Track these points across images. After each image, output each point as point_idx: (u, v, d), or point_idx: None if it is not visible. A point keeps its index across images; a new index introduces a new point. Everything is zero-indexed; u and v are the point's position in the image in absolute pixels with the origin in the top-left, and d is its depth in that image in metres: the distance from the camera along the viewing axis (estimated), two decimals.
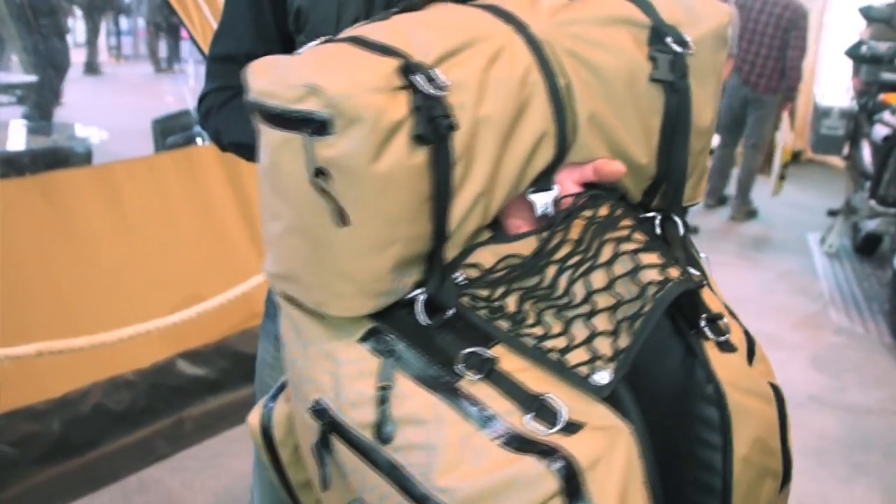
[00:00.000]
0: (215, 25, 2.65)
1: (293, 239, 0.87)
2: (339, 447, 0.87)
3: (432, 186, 0.84)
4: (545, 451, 0.78)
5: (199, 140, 2.98)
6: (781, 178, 5.80)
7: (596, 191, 0.95)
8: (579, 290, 0.87)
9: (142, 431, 2.64)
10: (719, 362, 0.93)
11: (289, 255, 0.88)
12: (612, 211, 0.92)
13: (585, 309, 0.86)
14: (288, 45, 1.25)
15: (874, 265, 5.02)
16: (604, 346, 0.84)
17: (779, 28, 5.65)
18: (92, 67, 8.48)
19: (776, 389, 0.98)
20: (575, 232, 0.90)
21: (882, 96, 5.01)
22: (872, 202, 4.74)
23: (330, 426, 0.87)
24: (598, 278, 0.87)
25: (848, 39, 5.97)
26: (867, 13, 5.50)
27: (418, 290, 0.87)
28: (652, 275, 0.87)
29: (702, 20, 1.00)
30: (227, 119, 1.27)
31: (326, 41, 0.89)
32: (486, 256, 0.90)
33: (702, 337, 0.93)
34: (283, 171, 0.83)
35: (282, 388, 1.04)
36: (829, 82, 7.04)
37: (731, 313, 1.00)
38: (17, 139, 3.45)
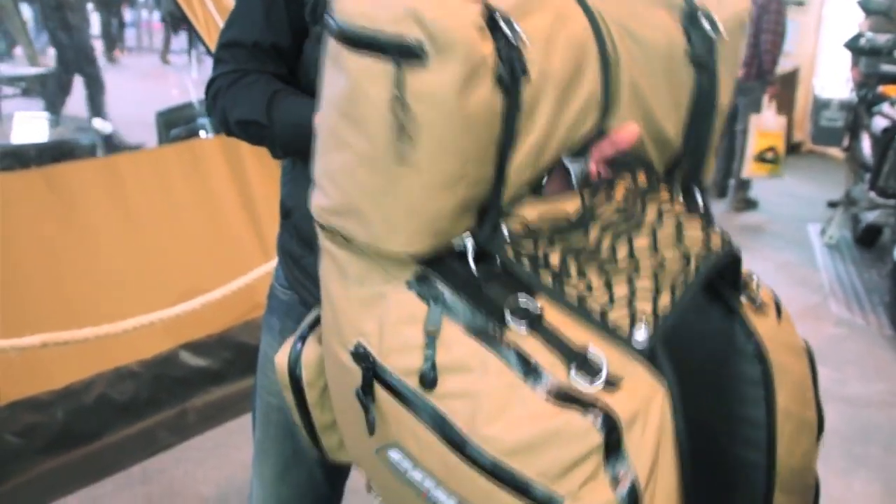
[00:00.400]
0: (219, 20, 2.68)
1: (361, 170, 0.85)
2: (379, 392, 0.87)
3: (502, 130, 0.84)
4: (588, 406, 0.79)
5: (202, 133, 3.00)
6: (764, 161, 5.78)
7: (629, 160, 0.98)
8: (622, 250, 0.89)
9: (145, 422, 2.66)
10: (757, 321, 0.97)
11: (352, 187, 0.86)
12: (650, 177, 0.97)
13: (628, 267, 0.89)
14: (298, 37, 1.26)
15: (874, 256, 5.03)
16: (644, 305, 0.86)
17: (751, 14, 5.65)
18: (109, 58, 8.63)
19: (806, 342, 1.04)
20: (619, 193, 0.93)
21: (881, 88, 5.01)
22: (872, 193, 4.76)
23: (371, 371, 0.87)
24: (642, 239, 0.91)
25: (847, 31, 5.97)
26: (866, 5, 5.50)
27: (466, 238, 0.87)
28: (695, 241, 0.93)
29: (727, 5, 1.03)
30: (235, 97, 1.26)
31: None
32: (530, 212, 0.90)
33: (739, 298, 0.99)
34: (364, 98, 0.81)
35: (311, 327, 1.06)
36: (829, 74, 7.04)
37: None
38: (24, 131, 3.47)
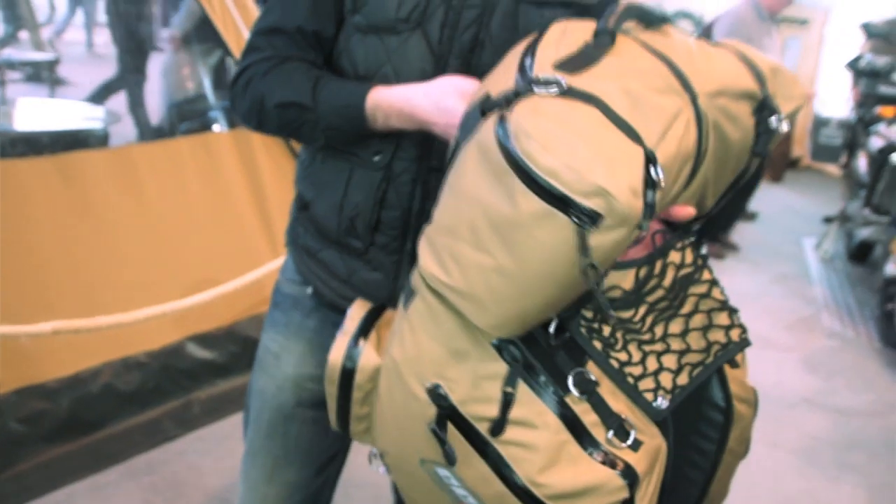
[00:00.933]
0: (237, 16, 2.69)
1: (496, 277, 0.91)
2: (451, 429, 1.01)
3: None
4: (623, 466, 0.97)
5: (215, 126, 3.01)
6: None
7: (676, 231, 1.07)
8: (659, 331, 1.03)
9: (151, 412, 2.67)
10: (731, 378, 1.12)
11: (481, 284, 0.93)
12: (695, 260, 1.06)
13: (660, 347, 1.03)
14: (338, 27, 1.25)
15: (866, 272, 5.08)
16: (666, 380, 1.02)
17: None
18: None
19: (754, 393, 1.17)
20: (667, 280, 1.04)
21: (878, 109, 5.07)
22: (867, 210, 4.81)
23: (448, 411, 1.00)
24: (676, 325, 1.04)
25: (849, 52, 6.03)
26: (868, 28, 5.57)
27: (555, 321, 1.01)
28: (719, 336, 1.06)
29: (790, 99, 1.10)
30: (275, 81, 1.24)
31: (566, 92, 0.91)
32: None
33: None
34: (528, 234, 0.87)
35: (365, 329, 1.16)
36: (830, 93, 7.09)
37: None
38: (26, 117, 3.47)
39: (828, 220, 5.56)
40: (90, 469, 2.49)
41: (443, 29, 1.19)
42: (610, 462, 0.98)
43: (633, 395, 1.02)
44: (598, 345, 1.02)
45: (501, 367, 1.00)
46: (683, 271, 1.06)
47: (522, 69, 0.97)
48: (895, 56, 5.28)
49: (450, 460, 1.03)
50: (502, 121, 0.88)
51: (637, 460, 0.99)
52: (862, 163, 5.17)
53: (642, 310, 1.04)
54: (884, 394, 3.66)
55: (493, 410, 0.99)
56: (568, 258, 0.87)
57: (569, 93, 0.91)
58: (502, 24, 1.20)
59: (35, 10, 5.78)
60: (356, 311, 1.20)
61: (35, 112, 3.65)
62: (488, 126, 0.91)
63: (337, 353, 1.15)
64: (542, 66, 0.96)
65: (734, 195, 1.16)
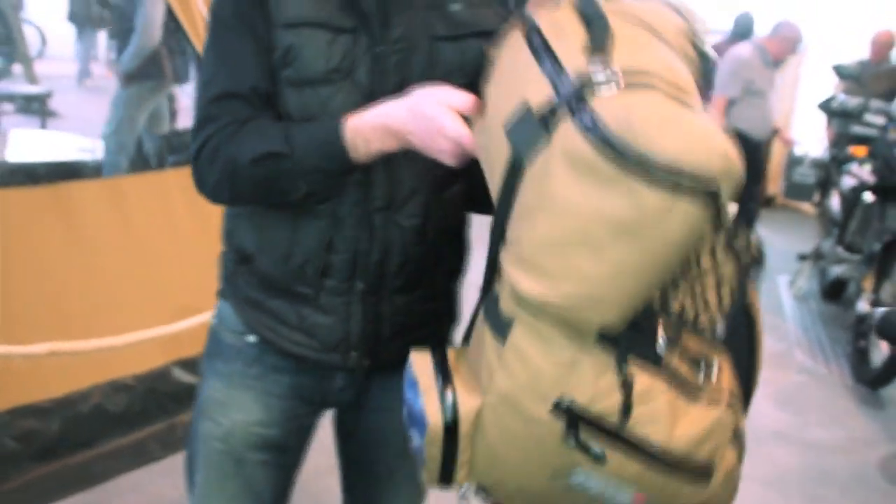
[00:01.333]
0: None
1: (627, 278, 0.95)
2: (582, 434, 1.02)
3: None
4: (727, 398, 1.08)
5: None
6: None
7: None
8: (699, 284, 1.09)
9: (137, 434, 2.74)
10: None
11: (610, 288, 0.95)
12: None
13: (704, 290, 1.09)
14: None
15: (839, 309, 5.15)
16: (714, 310, 1.10)
17: None
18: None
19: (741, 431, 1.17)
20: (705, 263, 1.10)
21: (851, 148, 5.21)
22: (839, 248, 4.93)
23: (576, 419, 1.01)
24: (710, 279, 1.10)
25: (823, 92, 6.19)
26: (839, 70, 5.74)
27: None
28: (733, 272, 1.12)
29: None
30: (243, 140, 1.21)
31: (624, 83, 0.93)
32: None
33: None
34: (658, 229, 0.90)
35: (444, 377, 1.11)
36: (804, 132, 7.23)
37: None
38: (18, 148, 3.57)
39: (802, 257, 5.69)
40: (78, 487, 2.56)
41: (371, 75, 1.22)
42: (714, 401, 1.06)
43: (700, 332, 1.09)
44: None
45: (609, 358, 1.01)
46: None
47: (554, 69, 0.97)
48: (866, 97, 5.42)
49: (600, 460, 1.03)
50: (592, 125, 0.89)
51: (728, 385, 1.08)
52: (835, 201, 5.28)
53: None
54: (855, 430, 3.75)
55: (616, 398, 1.00)
56: (698, 234, 0.93)
57: (627, 83, 0.92)
58: (424, 63, 1.24)
59: (28, 44, 5.90)
60: (420, 365, 1.14)
61: (27, 143, 3.75)
62: (569, 134, 0.91)
63: (434, 414, 1.08)
64: (570, 59, 0.97)
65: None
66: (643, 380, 1.01)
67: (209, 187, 1.27)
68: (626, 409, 1.00)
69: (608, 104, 0.89)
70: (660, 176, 0.87)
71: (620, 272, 0.94)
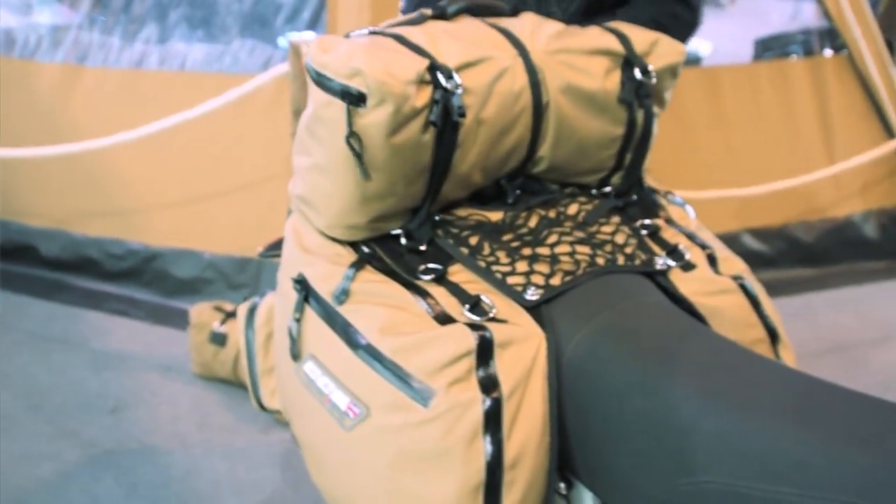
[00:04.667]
0: None
1: (316, 175, 1.06)
2: (308, 311, 1.07)
3: (433, 159, 1.05)
4: (469, 325, 0.96)
5: (793, 56, 3.40)
6: None
7: (553, 193, 1.20)
8: (527, 251, 1.08)
9: None
10: (683, 281, 1.11)
11: (311, 186, 1.08)
12: (559, 214, 1.17)
13: (529, 252, 1.08)
14: None
15: None
16: (538, 279, 1.04)
17: None
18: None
19: (738, 277, 1.14)
20: (532, 221, 1.14)
21: None
22: None
23: (306, 292, 1.07)
24: (543, 250, 1.09)
25: None
26: None
27: (402, 229, 1.10)
28: (585, 258, 1.08)
29: (663, 55, 1.20)
30: None
31: (374, 33, 1.10)
32: (463, 212, 1.14)
33: (667, 270, 1.12)
34: (322, 122, 1.02)
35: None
36: None
37: (690, 237, 1.19)
38: None
39: None
40: None
41: None
42: (450, 321, 0.97)
43: (499, 284, 1.03)
44: (464, 251, 1.07)
45: (352, 255, 1.07)
46: (584, 208, 1.17)
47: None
48: None
49: (297, 309, 1.08)
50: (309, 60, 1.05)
51: (495, 327, 0.96)
52: None
53: (508, 235, 1.11)
54: None
55: (337, 283, 1.03)
56: (378, 136, 0.98)
57: (375, 33, 1.09)
58: None
59: None
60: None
61: None
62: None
63: (244, 304, 1.35)
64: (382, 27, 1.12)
65: (635, 149, 1.22)
66: (379, 285, 1.02)
67: None
68: (342, 292, 1.02)
69: (336, 38, 1.05)
70: (318, 78, 1.01)
71: (315, 169, 1.06)
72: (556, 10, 1.39)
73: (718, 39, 4.32)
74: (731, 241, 3.21)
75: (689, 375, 0.87)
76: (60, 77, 3.14)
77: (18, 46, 3.23)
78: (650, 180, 1.32)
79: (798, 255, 3.32)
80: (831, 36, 3.31)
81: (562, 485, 1.00)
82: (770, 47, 3.75)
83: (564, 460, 0.98)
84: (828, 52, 3.33)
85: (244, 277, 2.90)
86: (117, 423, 2.34)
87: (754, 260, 3.27)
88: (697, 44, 4.03)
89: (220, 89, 2.70)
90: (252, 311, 1.36)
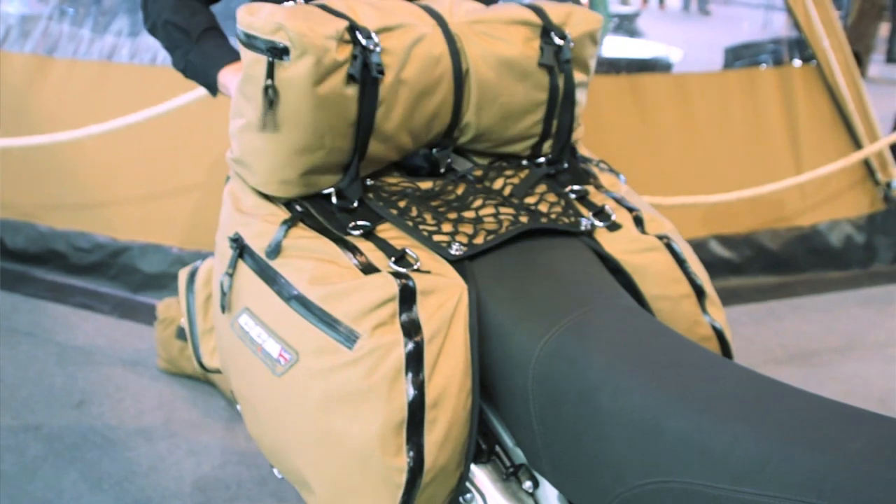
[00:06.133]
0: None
1: (249, 134, 1.10)
2: (241, 266, 1.11)
3: (358, 115, 1.09)
4: (393, 274, 1.00)
5: (762, 66, 3.45)
6: None
7: (483, 165, 1.25)
8: (453, 214, 1.13)
9: None
10: (609, 240, 1.16)
11: (244, 146, 1.12)
12: (485, 187, 1.21)
13: (454, 216, 1.13)
14: None
15: None
16: (462, 238, 1.09)
17: None
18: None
19: (663, 237, 1.17)
20: (459, 189, 1.19)
21: None
22: None
23: (241, 249, 1.11)
24: (469, 213, 1.14)
25: None
26: None
27: (333, 188, 1.13)
28: (508, 217, 1.13)
29: (580, 23, 1.24)
30: (176, 6, 1.41)
31: (298, 2, 1.13)
32: (393, 179, 1.20)
33: (593, 231, 1.16)
34: (251, 81, 1.06)
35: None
36: None
37: (618, 200, 1.23)
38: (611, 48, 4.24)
39: None
40: None
41: None
42: (376, 272, 1.01)
43: (425, 240, 1.07)
44: (393, 211, 1.11)
45: (285, 213, 1.12)
46: (510, 181, 1.21)
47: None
48: None
49: (223, 305, 1.13)
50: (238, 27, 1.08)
51: (418, 276, 1.00)
52: None
53: (436, 202, 1.15)
54: None
55: (269, 240, 1.07)
56: (300, 88, 1.02)
57: (301, 2, 1.14)
58: None
59: None
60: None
61: (615, 46, 4.42)
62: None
63: (185, 269, 1.42)
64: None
65: (560, 115, 1.26)
66: (310, 240, 1.05)
67: (143, 9, 1.46)
68: (274, 249, 1.06)
69: (243, 13, 1.08)
70: (246, 40, 1.05)
71: (247, 128, 1.09)
72: None
73: (690, 46, 4.38)
74: (697, 247, 3.26)
75: (653, 376, 0.88)
76: (29, 68, 3.11)
77: None
78: (583, 149, 1.35)
79: (764, 262, 3.36)
80: (801, 46, 3.36)
81: (528, 483, 1.02)
82: (740, 56, 3.80)
83: (532, 458, 1.00)
84: (797, 62, 3.38)
85: (206, 256, 2.87)
86: (82, 417, 2.32)
87: (721, 266, 3.31)
88: (667, 50, 4.07)
89: (192, 84, 2.68)
90: (192, 275, 1.41)
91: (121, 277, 3.03)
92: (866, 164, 3.43)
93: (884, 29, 7.99)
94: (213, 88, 1.38)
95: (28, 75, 3.10)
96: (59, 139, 2.78)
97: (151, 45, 3.03)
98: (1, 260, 3.18)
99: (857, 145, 3.36)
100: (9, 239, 3.16)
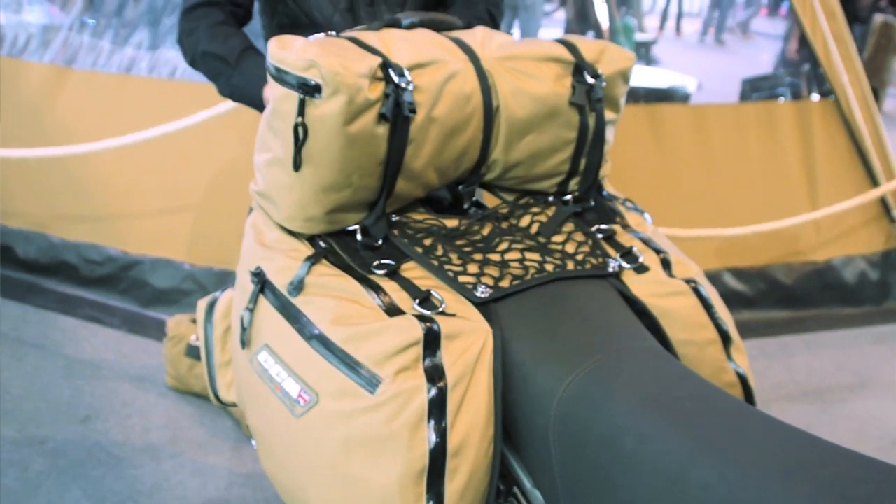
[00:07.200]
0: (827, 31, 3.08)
1: (275, 168, 1.09)
2: (262, 302, 1.09)
3: (387, 153, 1.08)
4: (418, 317, 0.98)
5: (781, 98, 3.43)
6: None
7: (509, 203, 1.23)
8: (478, 256, 1.12)
9: None
10: (636, 283, 1.15)
11: (270, 180, 1.11)
12: (511, 225, 1.20)
13: (480, 257, 1.12)
14: None
15: None
16: (488, 280, 1.07)
17: None
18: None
19: (690, 281, 1.17)
20: (486, 230, 1.17)
21: None
22: None
23: (262, 284, 1.10)
24: (494, 256, 1.13)
25: None
26: None
27: (358, 225, 1.13)
28: (534, 265, 1.11)
29: (613, 61, 1.23)
30: (210, 35, 1.43)
31: (329, 35, 1.13)
32: (419, 216, 1.18)
33: (620, 273, 1.15)
34: (280, 116, 1.05)
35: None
36: None
37: (645, 241, 1.21)
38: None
39: None
40: None
41: None
42: (400, 313, 0.99)
43: (450, 281, 1.05)
44: (418, 249, 1.10)
45: (309, 248, 1.11)
46: (537, 219, 1.20)
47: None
48: None
49: (243, 341, 1.11)
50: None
51: (443, 320, 0.98)
52: None
53: (461, 242, 1.14)
54: None
55: (292, 276, 1.06)
56: (331, 126, 1.02)
57: (333, 35, 1.13)
58: None
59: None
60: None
61: (636, 74, 4.42)
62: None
63: (203, 300, 1.38)
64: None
65: (589, 154, 1.24)
66: (333, 279, 1.04)
67: (181, 46, 1.50)
68: (297, 285, 1.04)
69: (274, 46, 1.07)
70: (277, 74, 1.04)
71: (274, 163, 1.08)
72: (388, 17, 1.46)
73: (706, 76, 4.37)
74: (711, 279, 3.23)
75: (678, 423, 0.87)
76: (48, 78, 3.11)
77: (7, 44, 3.20)
78: (609, 187, 1.34)
79: (777, 296, 3.34)
80: (819, 80, 3.35)
81: None
82: (758, 88, 3.79)
83: (550, 501, 0.98)
84: (815, 97, 3.37)
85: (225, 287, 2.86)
86: (87, 432, 2.30)
87: (734, 300, 3.29)
88: (683, 80, 4.06)
89: (210, 100, 2.68)
90: (212, 306, 1.39)
91: (131, 291, 3.02)
92: (882, 200, 3.40)
93: None
94: (260, 107, 1.38)
95: (47, 85, 3.11)
96: (76, 151, 2.78)
97: (171, 59, 3.03)
98: (12, 270, 3.17)
99: (874, 182, 3.34)
100: (21, 249, 3.15)
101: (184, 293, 2.94)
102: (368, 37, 1.13)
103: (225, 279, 2.90)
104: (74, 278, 3.09)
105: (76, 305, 3.00)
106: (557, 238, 1.18)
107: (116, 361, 2.67)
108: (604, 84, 1.21)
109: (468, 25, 1.31)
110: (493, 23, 1.60)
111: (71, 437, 2.27)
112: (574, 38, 1.25)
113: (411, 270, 1.07)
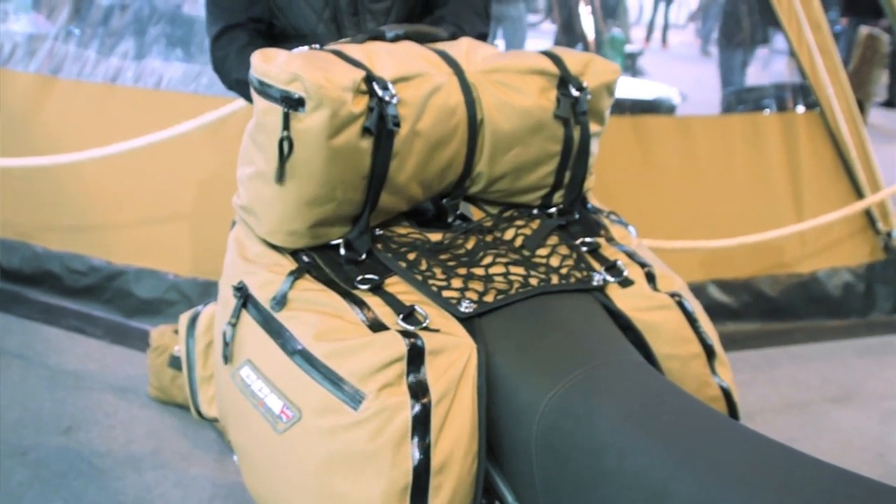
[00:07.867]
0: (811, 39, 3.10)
1: (258, 182, 1.08)
2: (244, 316, 1.08)
3: (371, 167, 1.07)
4: (402, 332, 0.98)
5: (766, 111, 3.45)
6: None
7: (493, 216, 1.23)
8: (462, 270, 1.11)
9: None
10: (621, 296, 1.14)
11: (252, 194, 1.10)
12: (496, 238, 1.20)
13: (464, 271, 1.11)
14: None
15: None
16: (473, 295, 1.07)
17: None
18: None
19: (675, 294, 1.16)
20: (470, 244, 1.17)
21: None
22: None
23: (245, 299, 1.09)
24: (479, 270, 1.12)
25: None
26: None
27: (342, 239, 1.12)
28: (518, 279, 1.11)
29: (598, 74, 1.22)
30: (235, 63, 1.48)
31: (313, 48, 1.13)
32: (402, 229, 1.17)
33: (605, 286, 1.14)
34: (264, 130, 1.04)
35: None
36: None
37: (630, 255, 1.21)
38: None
39: None
40: None
41: None
42: (384, 329, 0.99)
43: (434, 296, 1.05)
44: (402, 264, 1.10)
45: (292, 264, 1.09)
46: (521, 232, 1.20)
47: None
48: None
49: (225, 356, 1.10)
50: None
51: (427, 335, 0.98)
52: None
53: (445, 255, 1.13)
54: None
55: (275, 290, 1.06)
56: (314, 141, 1.01)
57: (316, 48, 1.13)
58: None
59: (628, 10, 6.73)
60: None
61: (622, 85, 4.43)
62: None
63: (185, 314, 1.40)
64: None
65: (574, 167, 1.24)
66: (315, 293, 1.03)
67: (218, 74, 1.55)
68: (280, 300, 1.03)
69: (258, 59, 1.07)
70: (257, 84, 1.04)
71: (257, 176, 1.07)
72: (372, 27, 1.46)
73: (692, 87, 4.38)
74: (696, 291, 3.21)
75: (660, 437, 0.87)
76: (33, 87, 3.10)
77: None
78: (594, 199, 1.34)
79: (762, 308, 3.35)
80: (804, 92, 3.37)
81: None
82: (743, 100, 3.81)
83: None
84: (800, 109, 3.38)
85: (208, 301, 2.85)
86: (70, 443, 2.29)
87: (719, 312, 3.29)
88: (670, 91, 4.08)
89: (195, 110, 2.68)
90: (193, 320, 1.38)
91: (115, 301, 3.00)
92: (867, 212, 3.42)
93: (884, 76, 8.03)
94: None
95: (32, 95, 3.09)
96: (61, 161, 2.77)
97: (156, 69, 3.02)
98: None
99: (859, 194, 3.36)
100: (4, 259, 3.13)
101: (168, 303, 2.93)
102: (352, 50, 1.13)
103: (209, 290, 2.88)
104: (58, 288, 3.07)
105: (60, 316, 2.99)
106: (542, 251, 1.18)
107: (99, 372, 2.66)
108: (589, 97, 1.21)
109: (453, 37, 1.31)
110: (488, 18, 1.60)
111: (53, 448, 2.26)
112: (560, 51, 1.24)
113: (395, 285, 1.07)
